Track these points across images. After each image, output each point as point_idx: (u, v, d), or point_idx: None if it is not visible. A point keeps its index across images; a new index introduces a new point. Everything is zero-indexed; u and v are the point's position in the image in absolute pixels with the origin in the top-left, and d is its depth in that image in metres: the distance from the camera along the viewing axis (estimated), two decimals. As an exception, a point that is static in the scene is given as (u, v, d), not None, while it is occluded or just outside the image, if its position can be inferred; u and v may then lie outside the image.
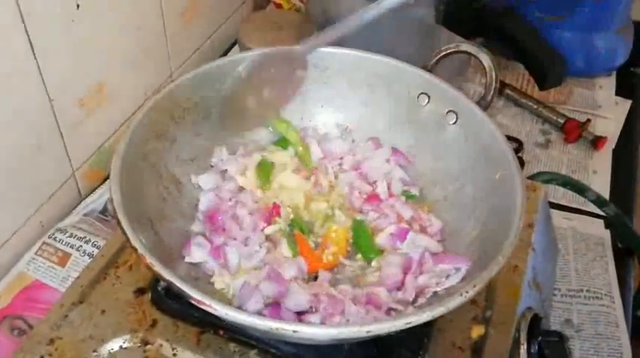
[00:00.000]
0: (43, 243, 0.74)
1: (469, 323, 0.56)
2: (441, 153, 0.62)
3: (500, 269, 0.45)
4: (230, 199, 0.58)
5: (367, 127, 0.67)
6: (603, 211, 0.84)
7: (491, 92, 0.63)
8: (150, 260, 0.43)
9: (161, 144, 0.57)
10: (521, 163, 0.93)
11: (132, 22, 0.81)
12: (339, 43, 0.81)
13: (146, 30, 0.85)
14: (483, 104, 0.62)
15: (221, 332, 0.53)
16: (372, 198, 0.62)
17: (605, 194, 0.91)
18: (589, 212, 0.88)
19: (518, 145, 0.96)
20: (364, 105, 0.67)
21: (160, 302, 0.54)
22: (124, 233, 0.44)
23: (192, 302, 0.41)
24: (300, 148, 0.65)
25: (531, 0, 1.03)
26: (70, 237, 0.74)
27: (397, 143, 0.65)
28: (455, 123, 0.61)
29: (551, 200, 0.89)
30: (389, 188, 0.62)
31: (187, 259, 0.53)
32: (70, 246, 0.74)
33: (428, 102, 0.63)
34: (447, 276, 0.52)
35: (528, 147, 0.97)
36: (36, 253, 0.73)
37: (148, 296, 0.55)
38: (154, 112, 0.56)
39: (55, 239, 0.74)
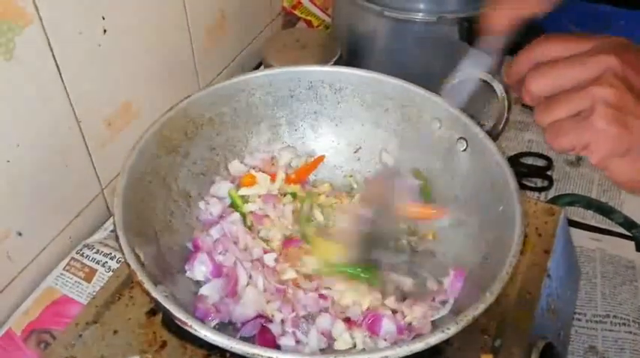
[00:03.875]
0: (72, 258, 0.76)
1: (478, 352, 0.55)
2: (451, 179, 0.62)
3: (487, 306, 0.44)
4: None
5: (379, 148, 0.67)
6: (632, 233, 0.81)
7: (503, 121, 0.63)
8: (140, 277, 0.44)
9: (173, 158, 0.59)
10: (550, 182, 0.91)
11: (159, 43, 0.83)
12: (357, 64, 0.81)
13: (173, 50, 0.87)
14: (494, 133, 0.61)
15: (227, 355, 0.54)
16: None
17: (639, 214, 0.88)
18: (620, 233, 0.86)
19: (547, 163, 0.94)
20: (377, 126, 0.68)
21: (170, 324, 0.56)
22: (121, 248, 0.46)
23: (176, 321, 0.42)
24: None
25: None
26: (96, 253, 0.77)
27: (407, 166, 0.65)
28: (465, 150, 0.61)
29: (579, 220, 0.87)
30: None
31: (188, 275, 0.54)
32: (96, 262, 0.76)
33: (440, 127, 0.63)
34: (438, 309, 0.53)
35: (558, 164, 0.95)
36: (64, 268, 0.76)
37: (159, 317, 0.57)
38: (166, 129, 0.58)
39: (82, 254, 0.77)
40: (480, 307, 0.44)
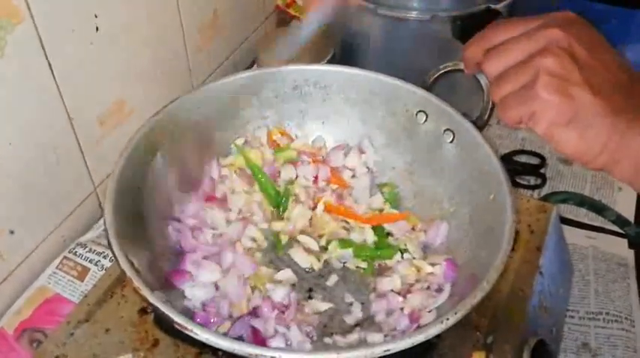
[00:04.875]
0: (64, 257, 0.76)
1: (470, 349, 0.55)
2: (439, 171, 0.62)
3: (485, 295, 0.45)
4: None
5: (366, 144, 0.68)
6: (624, 231, 0.81)
7: (487, 111, 0.63)
8: (137, 283, 0.44)
9: (161, 162, 0.59)
10: (543, 180, 0.91)
11: (152, 41, 0.83)
12: (351, 62, 0.81)
13: (166, 48, 0.87)
14: (480, 123, 0.62)
15: (219, 353, 0.54)
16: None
17: (631, 212, 0.88)
18: (613, 231, 0.86)
19: (540, 161, 0.94)
20: (363, 122, 0.68)
21: (162, 322, 0.56)
22: (115, 256, 0.46)
23: (176, 326, 0.42)
24: None
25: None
26: (89, 251, 0.76)
27: (395, 160, 0.66)
28: (452, 141, 0.61)
29: (573, 218, 0.87)
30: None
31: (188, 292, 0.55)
32: (89, 261, 0.76)
33: (426, 120, 0.64)
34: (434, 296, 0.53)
35: (552, 162, 0.95)
36: (57, 267, 0.75)
37: (151, 315, 0.57)
38: (152, 133, 0.58)
39: (75, 253, 0.77)
40: (478, 295, 0.45)
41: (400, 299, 0.55)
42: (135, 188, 0.55)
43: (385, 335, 0.52)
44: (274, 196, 0.65)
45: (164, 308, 0.43)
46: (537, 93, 0.41)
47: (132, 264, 0.46)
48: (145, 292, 0.44)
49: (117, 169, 0.54)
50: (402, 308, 0.54)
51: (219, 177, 0.65)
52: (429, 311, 0.53)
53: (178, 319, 0.42)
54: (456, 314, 0.43)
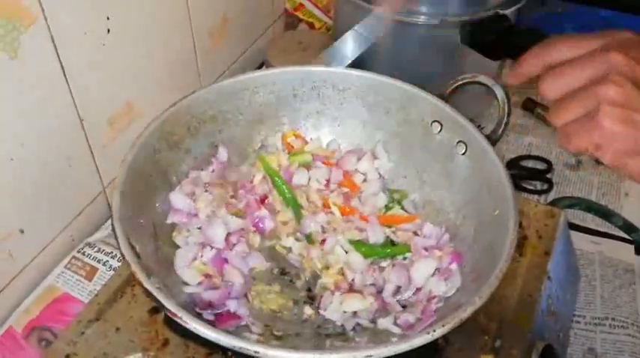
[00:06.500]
0: (73, 256, 0.77)
1: (478, 352, 0.56)
2: (449, 182, 0.62)
3: (475, 309, 0.45)
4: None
5: (380, 150, 0.68)
6: (631, 237, 0.82)
7: (502, 126, 0.63)
8: (134, 267, 0.44)
9: (174, 154, 0.60)
10: (550, 185, 0.92)
11: (162, 44, 0.83)
12: (359, 66, 0.82)
13: (176, 51, 0.87)
14: (493, 138, 0.62)
15: (229, 354, 0.54)
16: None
17: (638, 218, 0.88)
18: (619, 237, 0.86)
19: (547, 166, 0.95)
20: (378, 127, 0.68)
21: (171, 322, 0.56)
22: (116, 237, 0.46)
23: (168, 313, 0.43)
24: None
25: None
26: (97, 251, 0.77)
27: (407, 168, 0.66)
28: (464, 153, 0.61)
29: (579, 223, 0.87)
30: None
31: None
32: (98, 261, 0.76)
33: (440, 130, 0.64)
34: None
35: (558, 168, 0.95)
36: (65, 266, 0.76)
37: (162, 315, 0.57)
38: (168, 124, 0.59)
39: (83, 253, 0.77)
40: (469, 310, 0.44)
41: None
42: (146, 176, 0.56)
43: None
44: (292, 202, 0.65)
45: (157, 294, 0.43)
46: (601, 124, 0.40)
47: (133, 248, 0.46)
48: (141, 276, 0.44)
49: (129, 155, 0.54)
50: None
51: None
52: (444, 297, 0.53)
53: (170, 306, 0.42)
54: (443, 326, 0.42)
